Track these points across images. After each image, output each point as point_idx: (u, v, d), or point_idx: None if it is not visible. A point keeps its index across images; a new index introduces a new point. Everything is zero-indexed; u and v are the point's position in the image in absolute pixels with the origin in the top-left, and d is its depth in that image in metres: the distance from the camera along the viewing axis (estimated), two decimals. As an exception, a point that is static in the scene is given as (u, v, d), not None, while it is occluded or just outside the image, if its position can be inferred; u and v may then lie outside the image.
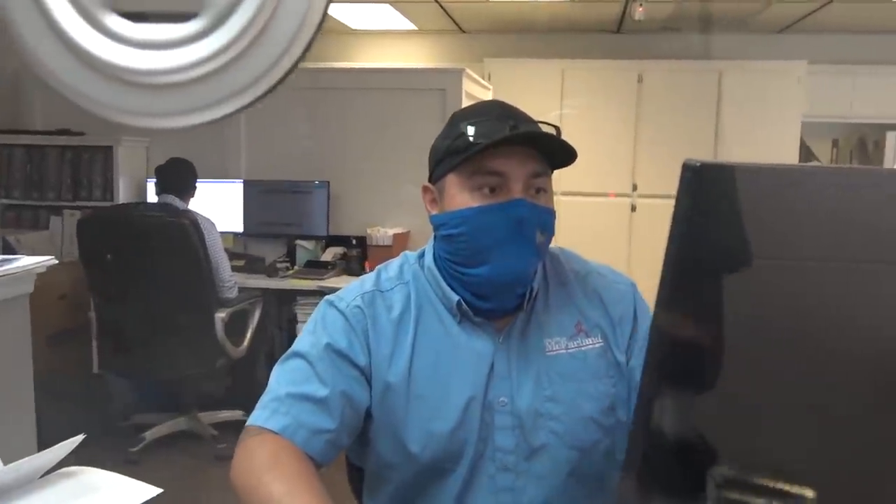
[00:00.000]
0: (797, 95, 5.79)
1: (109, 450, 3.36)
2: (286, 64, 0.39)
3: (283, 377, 1.21)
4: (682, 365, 0.52)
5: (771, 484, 0.45)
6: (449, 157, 1.20)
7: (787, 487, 0.45)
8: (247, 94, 0.40)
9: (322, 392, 1.17)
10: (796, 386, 0.52)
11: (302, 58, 0.39)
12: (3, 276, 1.76)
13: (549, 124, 1.20)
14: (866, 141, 6.44)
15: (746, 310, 0.52)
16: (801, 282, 0.52)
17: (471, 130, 1.17)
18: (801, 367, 0.52)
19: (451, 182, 1.20)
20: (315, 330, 1.24)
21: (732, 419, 0.50)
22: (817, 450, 0.47)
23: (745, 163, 0.53)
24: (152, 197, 4.18)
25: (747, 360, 0.52)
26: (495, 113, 1.21)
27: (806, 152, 6.24)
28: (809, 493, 0.45)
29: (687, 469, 0.46)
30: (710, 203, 0.51)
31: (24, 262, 1.81)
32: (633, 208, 6.03)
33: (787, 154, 5.81)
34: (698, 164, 0.50)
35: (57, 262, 1.95)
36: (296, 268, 4.21)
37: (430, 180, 1.27)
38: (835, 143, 6.51)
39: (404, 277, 1.29)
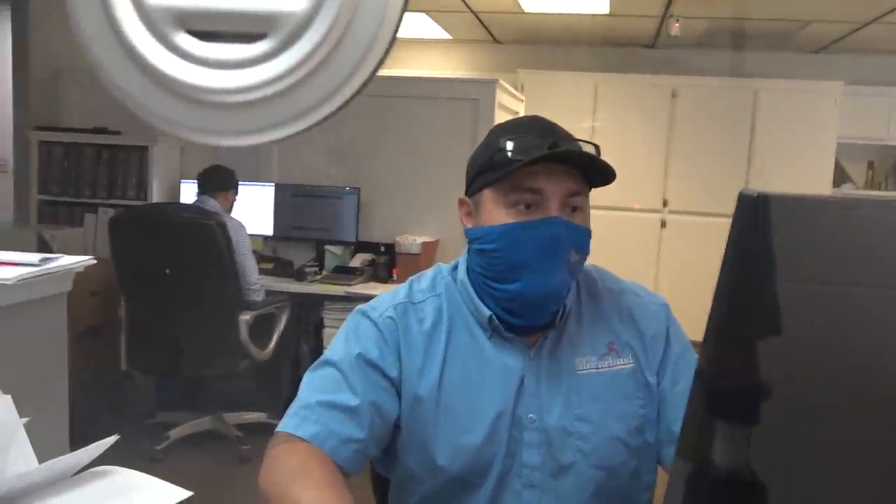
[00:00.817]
0: (833, 116, 5.73)
1: (134, 447, 3.39)
2: (354, 85, 0.40)
3: (313, 385, 1.21)
4: (731, 399, 0.51)
5: None
6: (486, 171, 1.20)
7: None
8: (314, 114, 0.41)
9: (353, 401, 1.17)
10: (851, 421, 0.51)
11: (372, 76, 0.40)
12: (43, 275, 1.79)
13: (589, 143, 1.20)
14: (902, 164, 6.35)
15: (796, 341, 0.52)
16: (861, 311, 0.52)
17: (510, 146, 1.17)
18: (859, 404, 0.51)
19: (488, 197, 1.20)
20: (347, 339, 1.25)
21: (784, 457, 0.50)
22: (873, 488, 0.46)
23: (808, 195, 0.52)
24: (185, 197, 4.24)
25: (799, 394, 0.51)
26: (535, 129, 1.21)
27: (841, 174, 6.16)
28: None
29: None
30: (761, 236, 0.51)
31: (64, 261, 1.84)
32: (664, 224, 5.99)
33: (821, 175, 5.75)
34: (755, 195, 0.50)
35: (95, 261, 1.98)
36: (324, 272, 4.23)
37: (466, 193, 1.27)
38: (870, 165, 6.43)
39: (437, 290, 1.29)
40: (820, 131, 5.74)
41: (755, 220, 0.50)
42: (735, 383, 0.51)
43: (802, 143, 5.76)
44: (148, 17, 0.41)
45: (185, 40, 0.41)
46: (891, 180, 6.40)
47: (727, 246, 0.51)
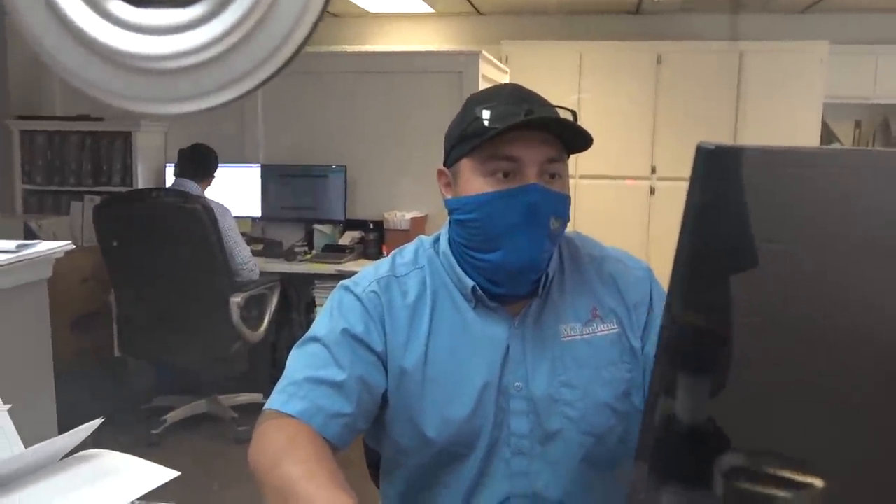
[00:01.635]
0: (819, 76, 5.72)
1: (130, 432, 3.41)
2: (290, 48, 0.39)
3: (300, 362, 1.21)
4: (695, 353, 0.52)
5: (779, 473, 0.45)
6: (463, 141, 1.19)
7: (795, 476, 0.45)
8: (250, 78, 0.40)
9: (339, 376, 1.17)
10: (808, 373, 0.51)
11: (306, 42, 0.39)
12: (21, 261, 1.78)
13: (565, 108, 1.19)
14: (889, 122, 6.35)
15: (759, 296, 0.52)
16: (816, 267, 0.52)
17: (485, 115, 1.16)
18: (813, 355, 0.51)
19: (465, 167, 1.20)
20: (332, 315, 1.25)
21: (744, 407, 0.50)
22: (828, 439, 0.47)
23: (759, 146, 0.52)
24: (170, 182, 4.22)
25: (759, 348, 0.52)
26: (511, 97, 1.20)
27: (828, 134, 6.16)
28: (818, 483, 0.45)
29: (699, 458, 0.46)
30: (723, 189, 0.51)
31: (42, 247, 1.83)
32: (652, 191, 5.99)
33: (808, 135, 5.75)
34: (712, 147, 0.49)
35: (74, 247, 1.96)
36: (314, 252, 4.23)
37: (445, 164, 1.26)
38: (857, 125, 6.43)
39: (419, 262, 1.29)
40: (806, 92, 5.73)
41: (715, 173, 0.50)
42: (696, 340, 0.51)
43: (789, 104, 5.75)
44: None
45: (117, 6, 0.40)
46: (878, 138, 6.40)
47: (686, 202, 0.51)
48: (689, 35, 5.97)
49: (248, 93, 0.40)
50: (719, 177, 0.51)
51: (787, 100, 5.76)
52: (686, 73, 5.86)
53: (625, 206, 5.92)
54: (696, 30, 6.02)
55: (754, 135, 5.76)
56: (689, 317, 0.51)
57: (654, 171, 5.97)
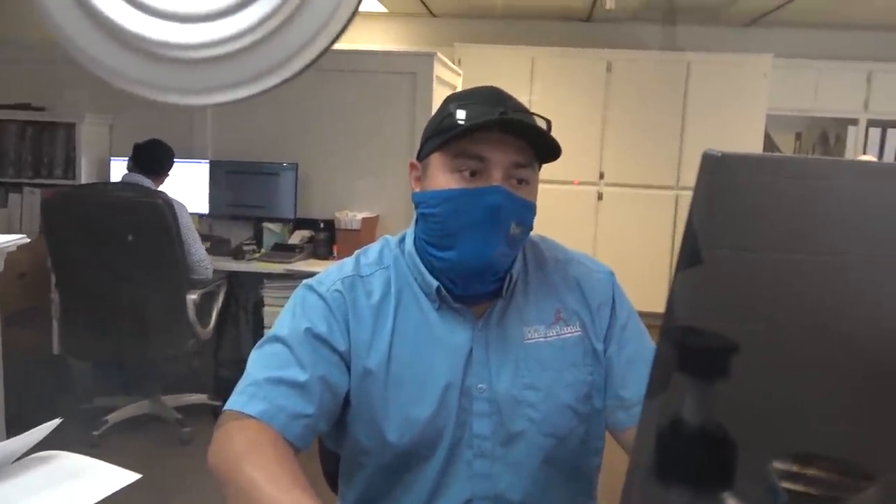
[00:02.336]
0: (762, 88, 5.88)
1: (70, 433, 3.30)
2: (325, 39, 0.38)
3: (261, 362, 1.19)
4: (695, 357, 0.52)
5: (835, 478, 0.45)
6: (435, 136, 1.19)
7: (851, 482, 0.45)
8: (284, 69, 0.39)
9: (301, 377, 1.16)
10: (812, 375, 0.52)
11: (342, 33, 0.38)
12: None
13: (541, 117, 1.20)
14: (828, 135, 6.56)
15: (762, 302, 0.53)
16: (819, 273, 0.53)
17: (460, 113, 1.16)
18: (816, 358, 0.52)
19: (435, 161, 1.20)
20: (294, 314, 1.23)
21: (751, 411, 0.51)
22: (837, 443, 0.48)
23: (765, 154, 0.52)
24: (115, 176, 4.10)
25: (763, 350, 0.52)
26: (488, 98, 1.20)
27: (770, 144, 6.33)
28: (873, 485, 0.45)
29: (707, 464, 0.46)
30: (727, 196, 0.51)
31: (-5, 240, 1.76)
32: (600, 196, 6.08)
33: (752, 145, 5.91)
34: (719, 155, 0.49)
35: (29, 240, 1.90)
36: (262, 250, 4.16)
37: (417, 157, 1.26)
38: (798, 137, 6.62)
39: (384, 262, 1.28)
40: (750, 103, 5.89)
41: (719, 180, 0.51)
42: (701, 339, 0.51)
43: (734, 115, 5.89)
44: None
45: None
46: (817, 150, 6.60)
47: (690, 208, 0.51)
48: (639, 44, 6.07)
49: (281, 84, 0.39)
50: (723, 184, 0.51)
51: (731, 110, 5.90)
52: (635, 82, 5.96)
53: (573, 210, 5.99)
54: (646, 39, 6.13)
55: (700, 143, 5.87)
56: (690, 320, 0.51)
57: (602, 176, 6.06)
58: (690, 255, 0.49)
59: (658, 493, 0.50)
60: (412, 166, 1.26)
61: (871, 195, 0.52)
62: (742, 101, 5.89)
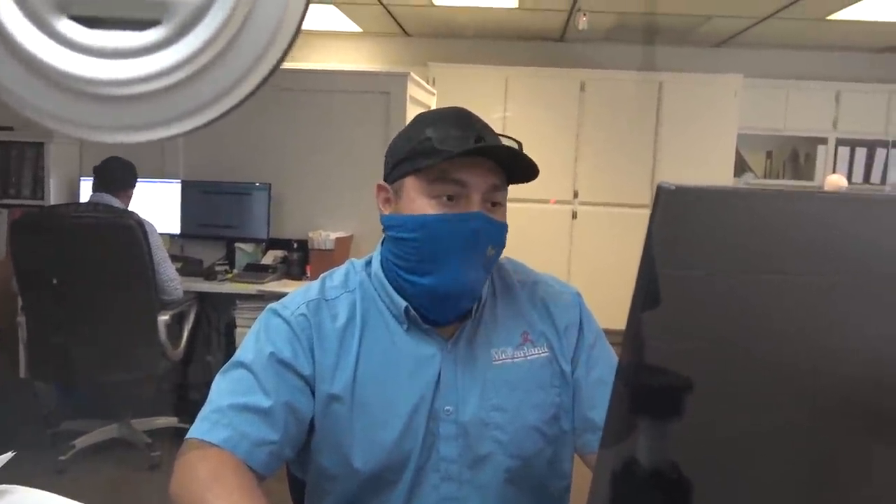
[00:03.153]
0: (733, 107, 5.95)
1: (37, 458, 3.24)
2: (257, 77, 0.37)
3: (224, 387, 1.17)
4: (652, 394, 0.51)
5: None
6: (411, 159, 1.18)
7: None
8: (215, 107, 0.37)
9: (265, 403, 1.14)
10: (764, 407, 0.52)
11: (275, 69, 0.37)
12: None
13: (511, 138, 1.20)
14: (798, 154, 6.65)
15: (719, 329, 0.52)
16: (766, 299, 0.53)
17: (436, 136, 1.16)
18: (768, 390, 0.52)
19: (411, 185, 1.18)
20: (258, 339, 1.21)
21: (705, 448, 0.50)
22: (794, 476, 0.47)
23: (717, 186, 0.53)
24: (85, 197, 4.05)
25: (716, 384, 0.52)
26: (460, 121, 1.19)
27: (741, 163, 6.41)
28: None
29: (662, 500, 0.45)
30: (682, 227, 0.51)
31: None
32: (574, 215, 6.10)
33: (723, 164, 5.97)
34: (673, 188, 0.49)
35: (2, 256, 1.86)
36: (235, 271, 4.12)
37: (386, 179, 1.25)
38: (769, 155, 6.70)
39: (350, 286, 1.27)
40: (721, 122, 5.96)
41: (673, 211, 0.50)
42: (656, 378, 0.51)
43: (705, 133, 5.96)
44: (23, 1, 0.37)
45: (67, 26, 0.37)
46: (788, 168, 6.68)
47: (646, 241, 0.51)
48: (612, 64, 6.13)
49: (211, 122, 0.38)
50: (678, 215, 0.51)
51: (703, 129, 5.97)
52: (608, 101, 6.02)
53: (547, 229, 6.01)
54: (619, 59, 6.19)
55: (672, 162, 5.95)
56: (646, 354, 0.51)
57: (576, 195, 6.09)
58: (647, 295, 0.49)
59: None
60: (380, 188, 1.25)
61: (820, 219, 0.52)
62: (714, 120, 5.96)
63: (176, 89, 0.37)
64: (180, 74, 0.37)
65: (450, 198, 1.16)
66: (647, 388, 0.50)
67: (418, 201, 1.17)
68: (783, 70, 6.29)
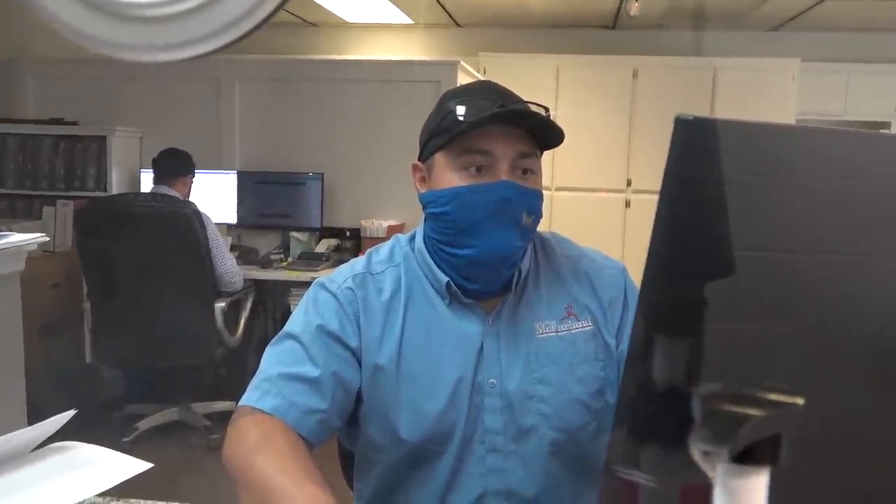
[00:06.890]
0: (790, 93, 5.80)
1: (102, 440, 3.35)
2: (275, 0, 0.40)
3: (274, 358, 1.21)
4: (674, 319, 0.52)
5: (760, 394, 0.45)
6: (437, 135, 1.20)
7: (776, 397, 0.45)
8: (238, 26, 0.40)
9: (314, 372, 1.17)
10: (790, 337, 0.52)
11: None
12: (-7, 252, 1.76)
13: (538, 104, 1.21)
14: (859, 139, 6.46)
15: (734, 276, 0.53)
16: (791, 244, 0.53)
17: (459, 110, 1.17)
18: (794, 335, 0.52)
19: (439, 161, 1.21)
20: (307, 311, 1.25)
21: (725, 363, 0.51)
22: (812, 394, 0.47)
23: (737, 119, 0.53)
24: (145, 187, 4.18)
25: (733, 326, 0.53)
26: (485, 92, 1.21)
27: (799, 149, 6.25)
28: (799, 400, 0.45)
29: (678, 417, 0.47)
30: (701, 161, 0.51)
31: (15, 238, 1.81)
32: (628, 204, 6.04)
33: (780, 151, 5.82)
34: (691, 118, 0.50)
35: (48, 238, 1.94)
36: (289, 259, 4.21)
37: (419, 159, 1.27)
38: (828, 141, 6.52)
39: (395, 260, 1.30)
40: (778, 108, 5.81)
41: (697, 146, 0.51)
42: (676, 306, 0.52)
43: (761, 120, 5.83)
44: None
45: None
46: (848, 155, 6.50)
47: (664, 177, 0.52)
48: (664, 50, 6.04)
49: (235, 42, 0.40)
50: (697, 149, 0.51)
51: (759, 116, 5.84)
52: (661, 88, 5.92)
53: (600, 218, 5.96)
54: (671, 46, 6.10)
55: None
56: (667, 291, 0.52)
57: (629, 184, 6.02)
58: (667, 232, 0.50)
59: (634, 451, 0.51)
60: (415, 168, 1.28)
61: (841, 157, 0.52)
62: (770, 107, 5.82)
63: (202, 10, 0.40)
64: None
65: (478, 169, 1.17)
66: (665, 307, 0.51)
67: (448, 175, 1.19)
68: (842, 53, 6.11)
